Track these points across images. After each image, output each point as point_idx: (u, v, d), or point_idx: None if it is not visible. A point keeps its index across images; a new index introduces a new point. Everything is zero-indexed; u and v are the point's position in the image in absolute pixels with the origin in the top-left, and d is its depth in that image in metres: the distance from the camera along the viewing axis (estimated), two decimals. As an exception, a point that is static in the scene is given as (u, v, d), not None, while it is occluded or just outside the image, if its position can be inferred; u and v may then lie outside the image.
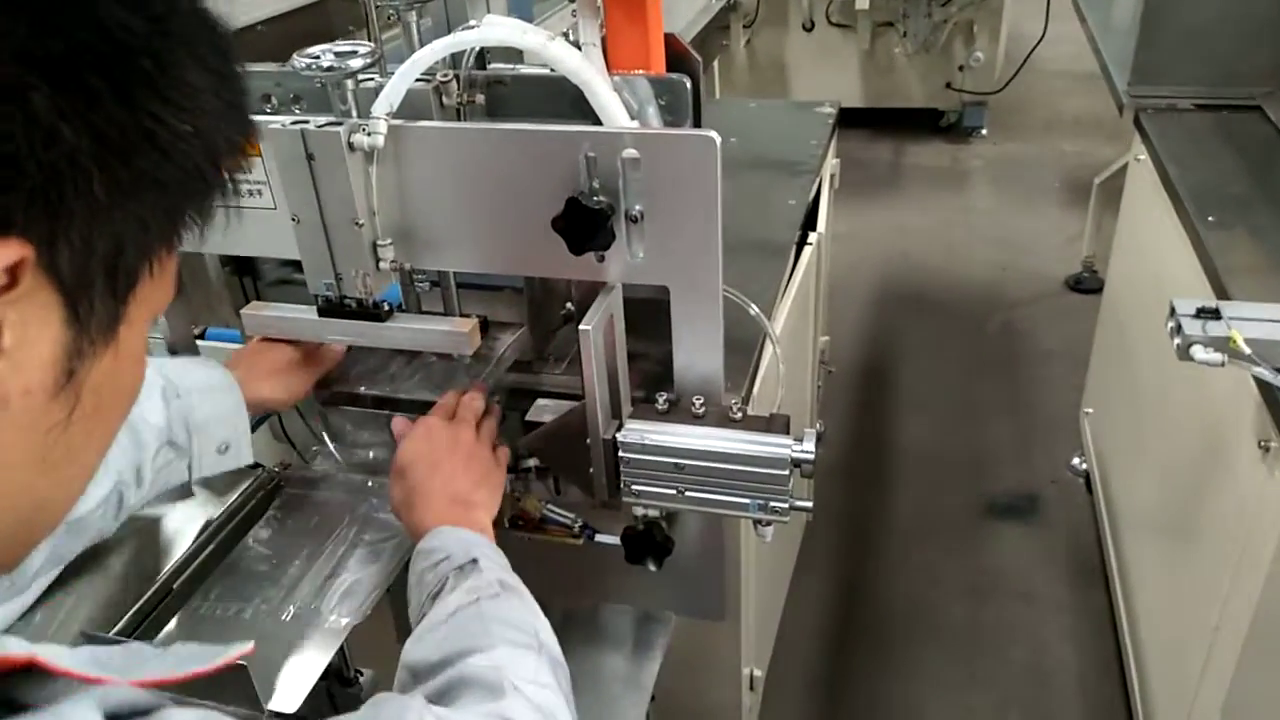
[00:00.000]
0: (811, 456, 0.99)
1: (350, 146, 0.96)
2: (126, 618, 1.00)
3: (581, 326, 0.96)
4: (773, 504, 1.01)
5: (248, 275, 1.36)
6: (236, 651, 0.66)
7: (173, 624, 1.02)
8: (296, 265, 1.09)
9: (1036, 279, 3.77)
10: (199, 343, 1.39)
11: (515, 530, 1.17)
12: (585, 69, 0.99)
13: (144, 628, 1.03)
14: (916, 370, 3.30)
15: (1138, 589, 2.05)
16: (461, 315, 1.20)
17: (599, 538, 1.18)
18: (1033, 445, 2.88)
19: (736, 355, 1.22)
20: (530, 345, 1.29)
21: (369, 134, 0.96)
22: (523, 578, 1.24)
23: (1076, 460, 2.71)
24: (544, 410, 1.18)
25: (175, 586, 1.08)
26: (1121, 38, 2.47)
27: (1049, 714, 2.09)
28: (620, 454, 1.03)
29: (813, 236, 1.94)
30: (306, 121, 0.98)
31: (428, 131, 0.99)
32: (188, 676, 0.60)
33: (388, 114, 0.98)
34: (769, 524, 1.04)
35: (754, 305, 1.31)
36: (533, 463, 1.18)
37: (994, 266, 3.90)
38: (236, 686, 0.90)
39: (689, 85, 1.06)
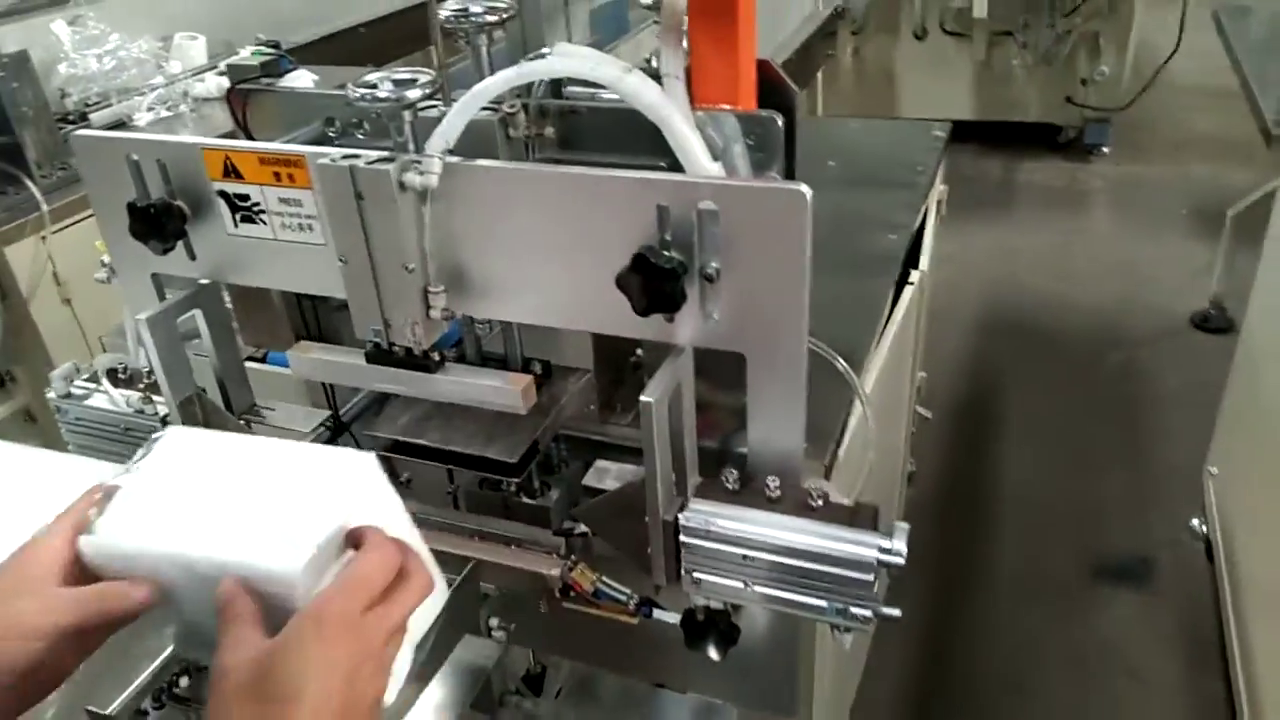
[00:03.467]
0: (902, 560, 0.85)
1: (401, 186, 0.88)
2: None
3: (643, 398, 0.85)
4: (853, 609, 0.88)
5: (308, 299, 1.31)
6: None
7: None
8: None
9: (1159, 314, 3.50)
10: (257, 366, 1.34)
11: (566, 601, 1.06)
12: (664, 106, 0.88)
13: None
14: (1022, 408, 3.08)
15: (1265, 677, 1.84)
16: (523, 360, 1.12)
17: (657, 614, 1.07)
18: (1148, 501, 2.65)
19: (820, 412, 1.09)
20: (596, 392, 1.20)
21: (422, 173, 0.87)
22: (573, 647, 1.16)
23: (1196, 522, 2.47)
24: (605, 474, 1.07)
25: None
26: (1267, 54, 2.24)
27: (1155, 812, 1.90)
28: (681, 539, 0.92)
29: (914, 275, 1.78)
30: (357, 156, 0.90)
31: (485, 172, 0.89)
32: None
33: (443, 152, 0.88)
34: (847, 630, 0.92)
35: (841, 360, 1.19)
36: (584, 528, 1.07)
37: (1112, 298, 3.64)
38: None
39: (780, 123, 0.94)
